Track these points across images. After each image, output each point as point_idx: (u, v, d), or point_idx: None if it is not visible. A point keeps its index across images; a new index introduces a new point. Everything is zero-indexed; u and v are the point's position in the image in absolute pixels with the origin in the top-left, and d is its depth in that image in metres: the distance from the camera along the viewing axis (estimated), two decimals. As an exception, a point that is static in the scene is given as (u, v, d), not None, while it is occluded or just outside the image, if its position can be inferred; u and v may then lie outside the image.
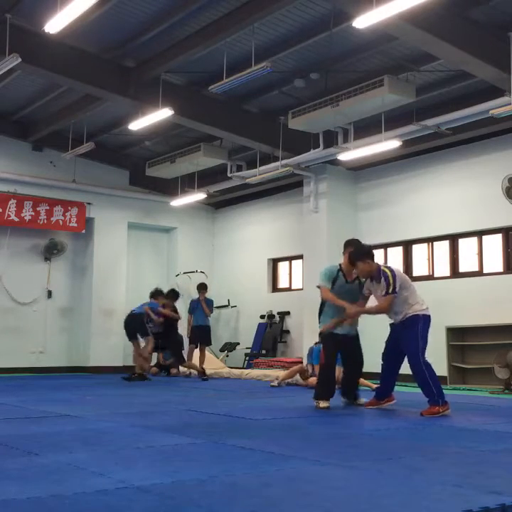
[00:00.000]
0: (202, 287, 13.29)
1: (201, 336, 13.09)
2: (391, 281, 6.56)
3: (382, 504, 2.92)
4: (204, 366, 13.12)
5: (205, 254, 16.44)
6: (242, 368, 14.06)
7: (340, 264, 7.25)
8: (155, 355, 14.10)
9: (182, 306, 15.31)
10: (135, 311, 12.15)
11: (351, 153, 11.40)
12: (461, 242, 11.93)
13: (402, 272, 7.05)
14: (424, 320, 6.67)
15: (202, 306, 13.05)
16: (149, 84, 10.99)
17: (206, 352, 13.44)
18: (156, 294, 12.67)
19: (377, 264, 6.84)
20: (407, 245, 12.74)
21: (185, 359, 12.84)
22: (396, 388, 7.43)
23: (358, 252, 6.88)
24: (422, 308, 6.68)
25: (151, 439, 4.67)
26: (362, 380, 8.25)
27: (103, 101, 11.80)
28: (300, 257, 14.02)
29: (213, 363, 13.88)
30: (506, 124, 10.46)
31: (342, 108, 10.15)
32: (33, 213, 13.98)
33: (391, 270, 6.69)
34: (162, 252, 16.44)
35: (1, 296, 13.94)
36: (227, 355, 15.03)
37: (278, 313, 14.71)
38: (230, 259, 16.19)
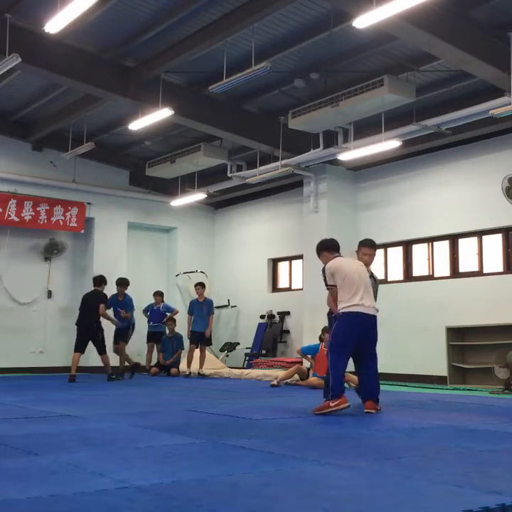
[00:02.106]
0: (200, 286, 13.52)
1: (201, 337, 13.14)
2: (323, 277, 6.75)
3: (382, 504, 2.92)
4: (204, 367, 13.16)
5: (205, 254, 16.45)
6: (242, 367, 14.06)
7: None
8: (155, 355, 14.13)
9: (182, 306, 15.34)
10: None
11: (351, 153, 11.40)
12: (461, 242, 11.94)
13: (341, 266, 6.71)
14: (341, 318, 6.58)
15: (203, 310, 13.23)
16: (149, 84, 11.00)
17: (206, 352, 13.46)
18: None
19: (332, 257, 6.84)
20: (407, 245, 12.74)
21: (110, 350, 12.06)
22: (396, 388, 7.43)
23: (317, 246, 7.09)
24: (344, 306, 6.57)
25: (151, 439, 4.67)
26: (351, 377, 8.27)
27: (103, 101, 11.80)
28: (300, 257, 14.02)
29: (213, 363, 13.89)
30: (506, 124, 10.47)
31: (342, 108, 10.15)
32: (33, 213, 13.98)
33: (325, 268, 6.76)
34: (162, 252, 16.44)
35: (1, 296, 13.95)
36: (227, 355, 15.04)
37: (278, 313, 14.71)
38: (230, 259, 16.19)
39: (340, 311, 6.59)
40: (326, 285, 6.73)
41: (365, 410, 6.53)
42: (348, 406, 6.34)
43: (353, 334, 6.59)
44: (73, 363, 11.39)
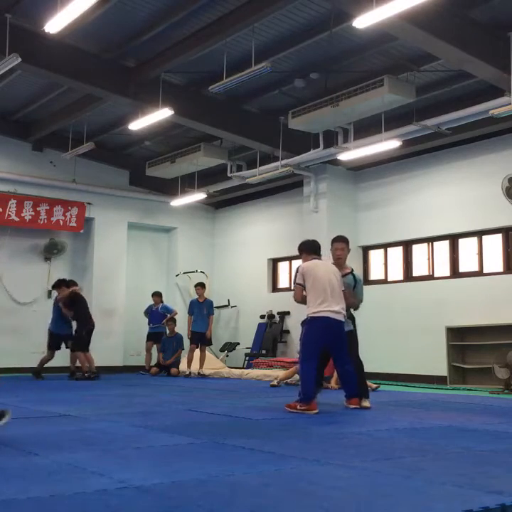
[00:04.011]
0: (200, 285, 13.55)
1: (202, 337, 13.15)
2: (294, 275, 7.02)
3: (383, 504, 2.92)
4: (204, 367, 13.17)
5: (205, 254, 16.45)
6: (242, 367, 14.06)
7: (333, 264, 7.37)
8: (155, 355, 14.14)
9: (182, 306, 15.34)
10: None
11: (351, 153, 11.40)
12: (461, 242, 11.94)
13: (314, 269, 6.91)
14: (309, 322, 6.78)
15: (203, 311, 13.25)
16: (149, 84, 10.99)
17: (206, 352, 13.47)
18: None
19: (309, 259, 7.08)
20: (407, 245, 12.74)
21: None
22: (396, 388, 7.44)
23: (299, 246, 7.38)
24: (312, 311, 6.73)
25: (151, 439, 4.67)
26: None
27: (103, 101, 11.80)
28: (300, 257, 13.99)
29: (213, 363, 13.90)
30: (506, 124, 10.47)
31: (342, 108, 10.15)
32: (33, 213, 13.98)
33: (299, 267, 7.04)
34: (162, 252, 16.44)
35: (1, 296, 13.95)
36: (227, 355, 15.04)
37: (278, 313, 14.71)
38: (230, 259, 16.19)
39: (309, 315, 6.76)
40: (294, 283, 6.99)
41: (352, 406, 6.83)
42: (316, 413, 6.42)
43: (320, 338, 6.74)
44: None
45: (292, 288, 7.09)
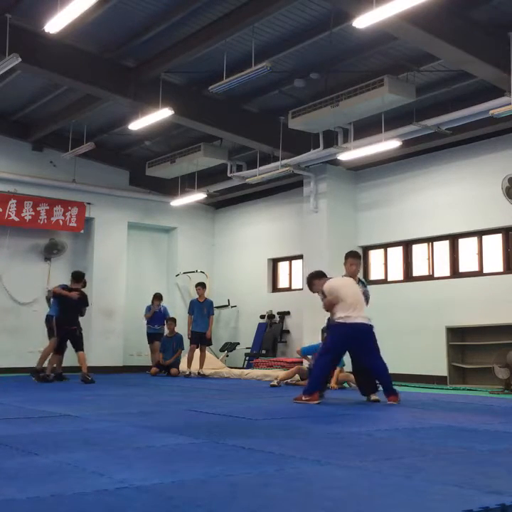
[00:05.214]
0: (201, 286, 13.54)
1: (202, 337, 13.15)
2: (322, 297, 7.62)
3: (382, 504, 2.92)
4: (204, 367, 13.16)
5: (205, 254, 16.44)
6: (242, 367, 14.06)
7: (343, 276, 8.01)
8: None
9: (182, 306, 15.35)
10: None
11: (351, 153, 11.40)
12: (461, 242, 11.93)
13: (336, 285, 7.57)
14: (334, 327, 7.44)
15: (203, 311, 13.22)
16: (149, 84, 11.00)
17: (206, 352, 13.47)
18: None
19: (324, 281, 7.71)
20: (407, 245, 12.74)
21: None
22: (396, 388, 7.47)
23: (307, 279, 8.05)
24: (339, 317, 7.33)
25: (151, 439, 4.66)
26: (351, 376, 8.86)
27: (103, 101, 11.80)
28: (300, 257, 14.02)
29: (213, 363, 13.90)
30: (506, 124, 10.47)
31: (342, 108, 10.15)
32: (33, 213, 13.98)
33: (324, 288, 7.57)
34: (162, 252, 16.44)
35: (1, 296, 13.95)
36: (227, 355, 15.04)
37: (278, 313, 14.70)
38: (230, 259, 16.19)
39: (336, 321, 7.37)
40: (325, 298, 7.52)
41: (388, 402, 7.31)
42: (317, 403, 7.18)
43: (343, 343, 7.46)
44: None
45: (321, 299, 7.59)
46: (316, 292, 7.89)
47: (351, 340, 7.39)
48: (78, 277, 11.61)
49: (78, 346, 11.07)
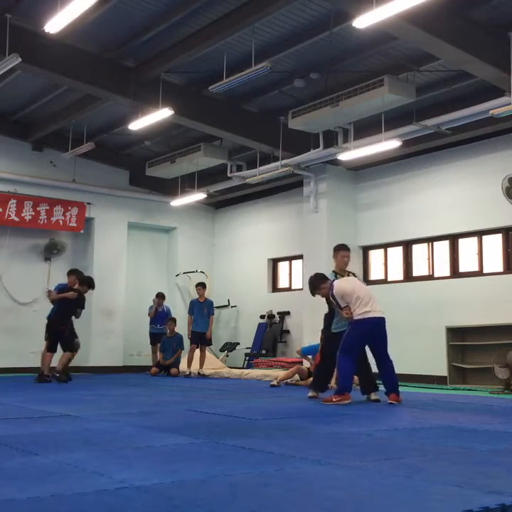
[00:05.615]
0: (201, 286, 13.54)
1: (202, 337, 13.15)
2: (335, 302, 7.56)
3: (382, 504, 2.92)
4: (204, 367, 13.17)
5: (205, 254, 16.45)
6: (242, 367, 14.06)
7: (333, 271, 8.10)
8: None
9: (182, 306, 15.34)
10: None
11: (351, 153, 11.40)
12: (461, 242, 11.93)
13: (345, 287, 7.52)
14: (355, 324, 7.43)
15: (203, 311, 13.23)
16: (149, 84, 11.00)
17: (206, 352, 13.47)
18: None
19: (328, 285, 7.71)
20: (407, 245, 12.74)
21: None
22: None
23: (311, 285, 7.95)
24: (358, 313, 7.39)
25: (151, 439, 4.66)
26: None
27: (103, 101, 11.80)
28: (300, 257, 14.02)
29: (213, 363, 13.89)
30: (506, 124, 10.46)
31: (342, 108, 10.15)
32: (33, 213, 13.98)
33: (332, 293, 7.52)
34: (162, 252, 16.44)
35: (1, 296, 13.95)
36: (227, 355, 15.04)
37: (278, 313, 14.71)
38: (230, 259, 16.19)
39: (355, 317, 7.40)
40: (340, 307, 7.50)
41: (389, 401, 7.36)
42: (349, 402, 7.25)
43: (364, 339, 7.52)
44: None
45: (339, 309, 7.56)
46: (320, 296, 7.89)
47: (371, 334, 7.49)
48: (69, 273, 11.55)
49: (66, 346, 10.95)
